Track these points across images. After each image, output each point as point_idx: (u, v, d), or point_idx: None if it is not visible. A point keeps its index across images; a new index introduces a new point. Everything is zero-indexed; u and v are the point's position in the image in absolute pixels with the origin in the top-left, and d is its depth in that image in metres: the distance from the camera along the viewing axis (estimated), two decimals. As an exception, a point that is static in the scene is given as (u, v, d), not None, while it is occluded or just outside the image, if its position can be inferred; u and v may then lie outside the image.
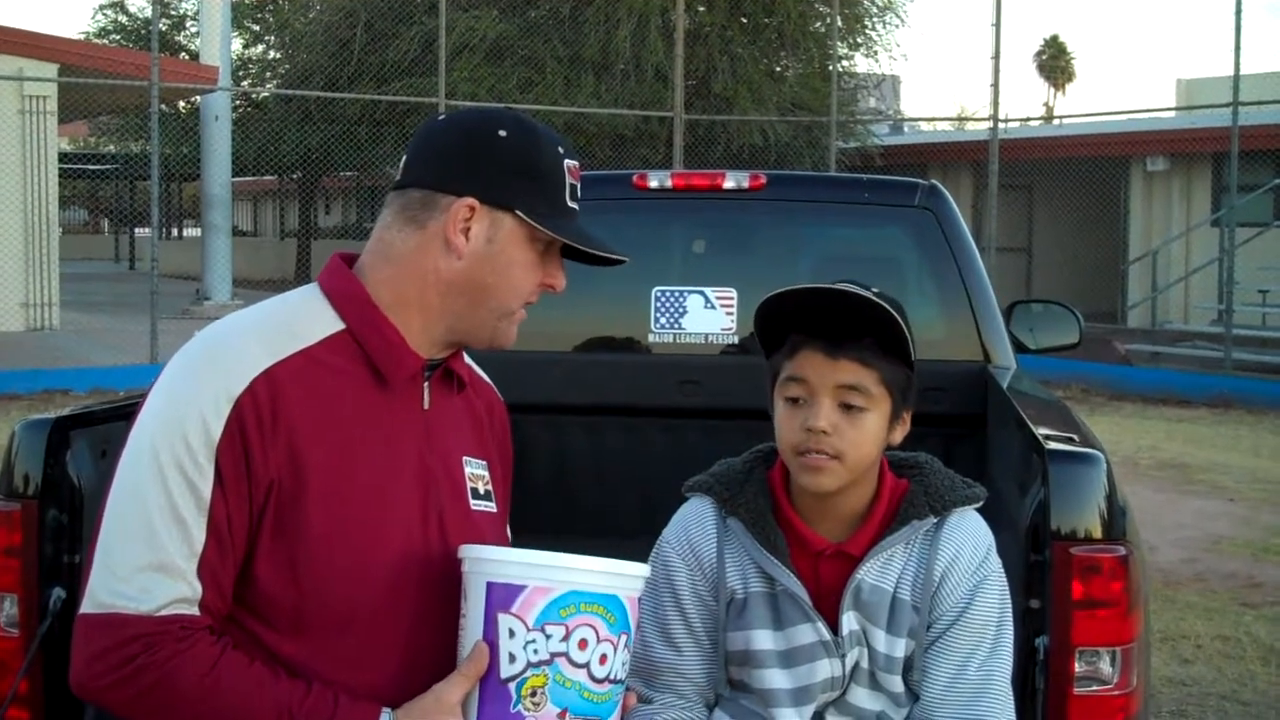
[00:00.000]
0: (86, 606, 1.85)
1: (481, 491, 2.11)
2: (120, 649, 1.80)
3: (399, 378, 1.99)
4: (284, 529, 1.88)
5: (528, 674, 1.84)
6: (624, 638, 1.89)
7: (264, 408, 1.87)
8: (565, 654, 1.84)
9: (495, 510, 2.15)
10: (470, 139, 2.01)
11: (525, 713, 1.83)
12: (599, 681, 1.86)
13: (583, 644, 1.84)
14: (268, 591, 1.88)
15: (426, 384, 2.04)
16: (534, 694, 1.83)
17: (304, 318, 1.98)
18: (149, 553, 1.83)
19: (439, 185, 2.00)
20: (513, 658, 1.84)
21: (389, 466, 1.96)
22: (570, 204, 2.04)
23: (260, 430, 1.87)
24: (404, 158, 2.06)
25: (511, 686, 1.84)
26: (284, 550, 1.88)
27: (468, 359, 2.19)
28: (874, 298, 2.15)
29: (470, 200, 1.98)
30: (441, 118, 2.09)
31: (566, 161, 2.04)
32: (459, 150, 2.01)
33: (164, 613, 1.82)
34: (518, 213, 1.99)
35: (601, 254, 2.05)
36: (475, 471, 2.11)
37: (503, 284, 2.01)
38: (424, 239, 1.99)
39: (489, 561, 1.89)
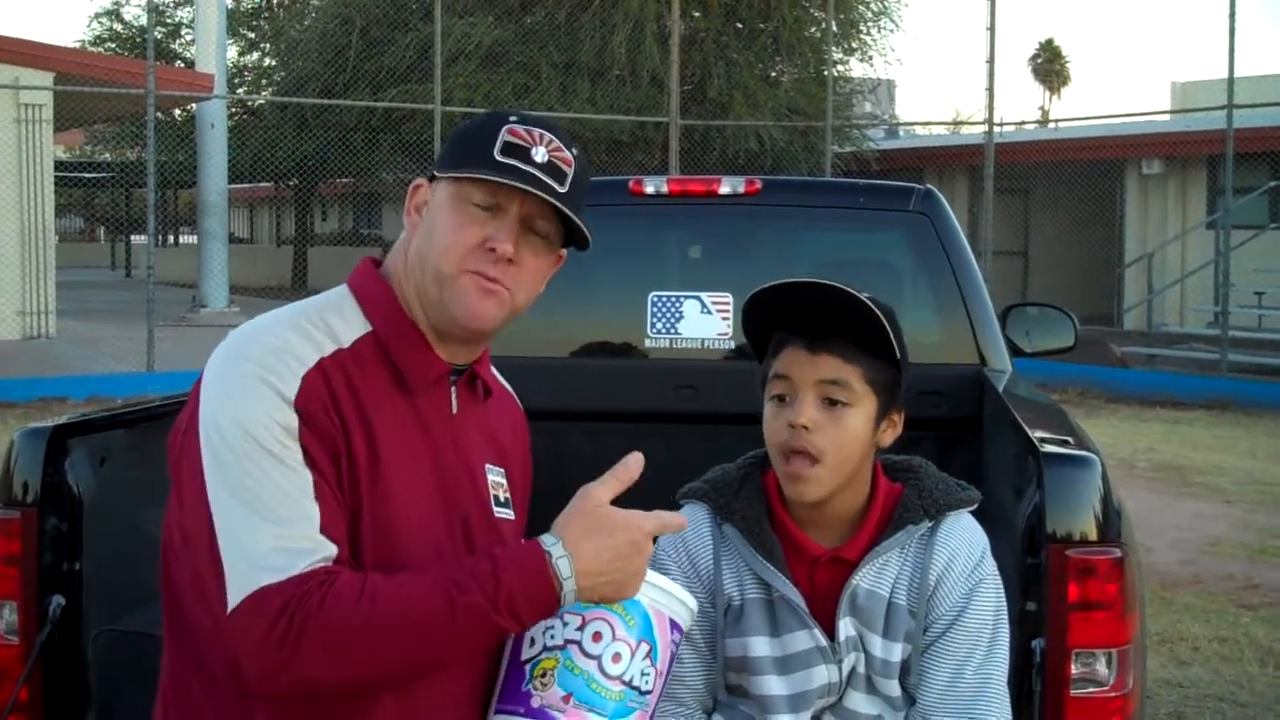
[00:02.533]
0: (232, 601, 1.79)
1: (502, 499, 2.12)
2: (279, 618, 1.76)
3: (423, 382, 2.00)
4: None
5: (541, 656, 1.90)
6: (645, 646, 1.91)
7: (322, 396, 1.88)
8: (578, 642, 1.89)
9: (514, 519, 2.15)
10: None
11: (533, 691, 1.89)
12: (610, 678, 1.89)
13: (596, 636, 1.89)
14: None
15: (454, 389, 2.05)
16: (544, 675, 1.89)
17: (337, 319, 1.99)
18: (274, 534, 1.80)
19: None
20: (533, 641, 1.91)
21: (416, 472, 1.96)
22: (503, 159, 1.96)
23: (327, 414, 1.87)
24: None
25: (527, 667, 1.91)
26: None
27: (492, 367, 2.19)
28: (853, 292, 2.16)
29: (418, 180, 2.05)
30: None
31: (512, 126, 1.99)
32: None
33: (305, 570, 1.79)
34: (437, 174, 2.02)
35: (511, 182, 1.94)
36: (496, 479, 2.12)
37: (429, 246, 1.99)
38: (408, 229, 2.06)
39: None
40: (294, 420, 1.85)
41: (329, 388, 1.89)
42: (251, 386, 1.87)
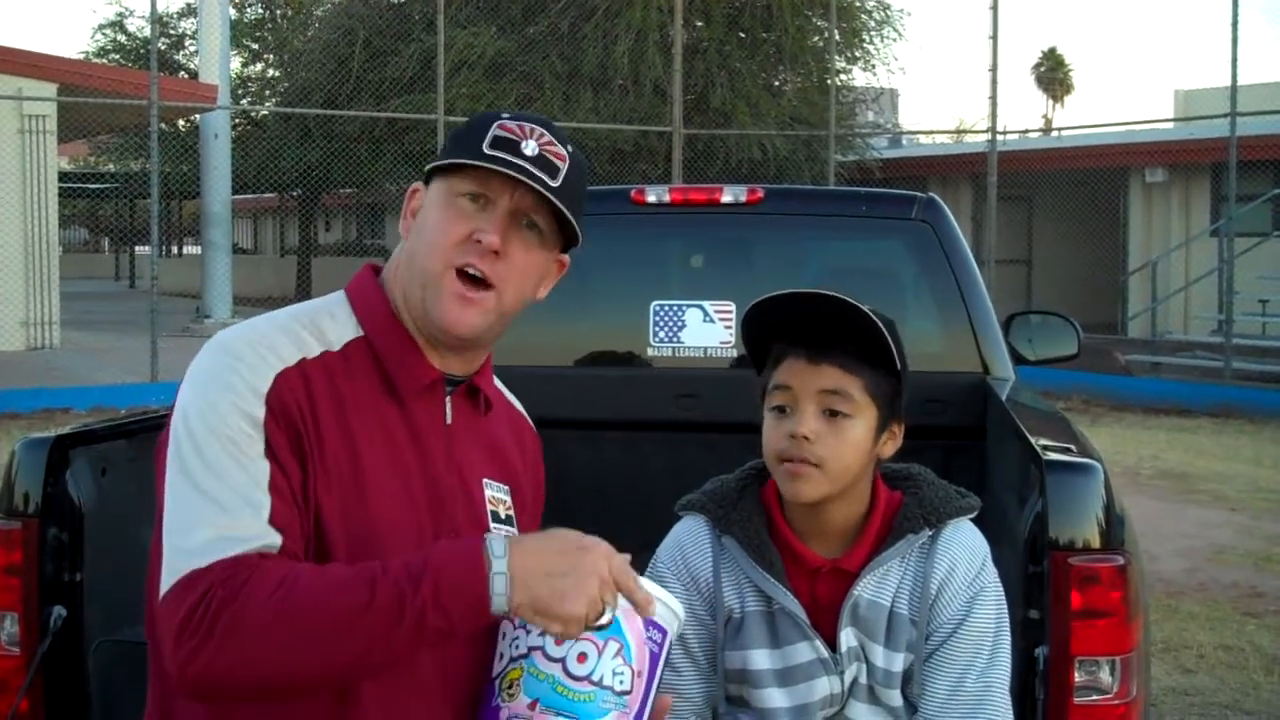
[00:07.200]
0: (164, 588, 1.74)
1: (503, 515, 2.08)
2: (198, 604, 1.70)
3: (412, 389, 1.97)
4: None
5: (508, 668, 1.89)
6: (614, 644, 1.88)
7: (298, 394, 1.85)
8: (540, 648, 1.87)
9: (516, 535, 2.13)
10: None
11: (501, 704, 1.87)
12: (577, 679, 1.86)
13: (559, 640, 1.86)
14: None
15: (449, 399, 2.02)
16: (511, 686, 1.87)
17: (329, 322, 1.98)
18: (217, 525, 1.75)
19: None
20: (501, 656, 1.90)
21: (401, 480, 1.93)
22: (492, 151, 1.92)
23: (300, 412, 1.85)
24: None
25: (497, 681, 1.89)
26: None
27: (498, 382, 2.17)
28: (854, 303, 2.16)
29: (415, 185, 2.03)
30: None
31: (503, 122, 1.97)
32: None
33: (237, 555, 1.74)
34: (428, 172, 2.01)
35: (496, 167, 1.91)
36: (496, 495, 2.08)
37: (419, 243, 1.97)
38: (403, 235, 2.04)
39: None
40: (260, 412, 1.82)
41: (308, 389, 1.87)
42: (224, 378, 1.85)
